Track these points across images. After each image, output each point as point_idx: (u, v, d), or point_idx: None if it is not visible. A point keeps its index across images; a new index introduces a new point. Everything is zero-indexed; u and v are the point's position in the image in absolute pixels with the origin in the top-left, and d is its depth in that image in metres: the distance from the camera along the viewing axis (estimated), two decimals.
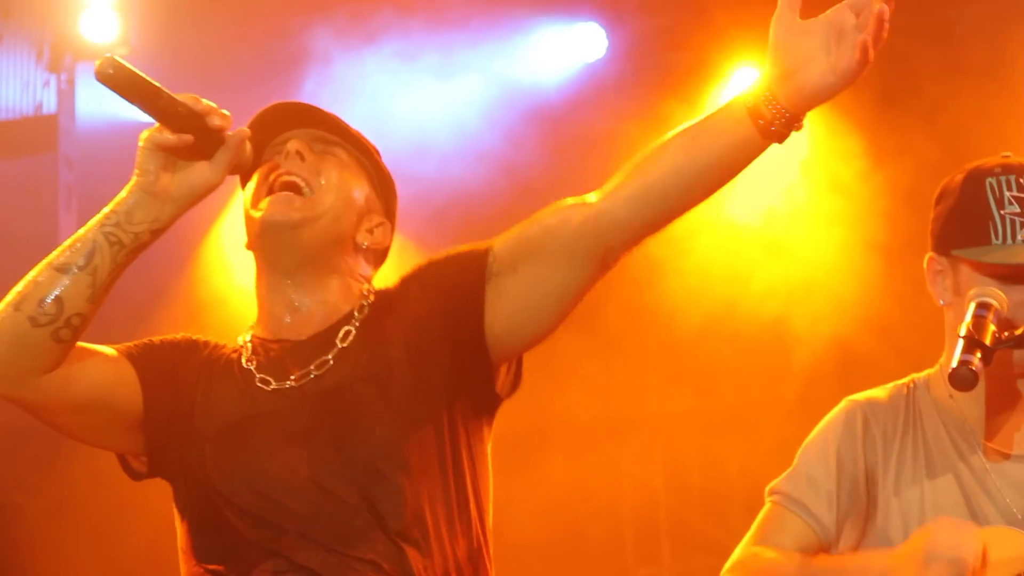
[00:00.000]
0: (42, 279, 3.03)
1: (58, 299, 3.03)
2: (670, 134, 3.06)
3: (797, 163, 8.23)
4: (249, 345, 3.38)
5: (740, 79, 8.23)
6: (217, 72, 8.02)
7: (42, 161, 8.14)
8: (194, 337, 3.44)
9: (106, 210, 3.07)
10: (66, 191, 8.06)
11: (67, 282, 3.04)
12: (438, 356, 3.29)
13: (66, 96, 8.28)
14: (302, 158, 3.32)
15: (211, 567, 3.24)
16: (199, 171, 3.09)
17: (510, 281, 3.22)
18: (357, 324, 3.35)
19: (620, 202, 3.11)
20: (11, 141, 8.27)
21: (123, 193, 3.07)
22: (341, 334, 3.33)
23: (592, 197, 3.12)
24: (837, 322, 7.66)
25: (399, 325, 3.33)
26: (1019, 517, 3.51)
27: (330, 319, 3.36)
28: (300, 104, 3.45)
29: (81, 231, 3.07)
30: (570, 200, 3.16)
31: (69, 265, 3.04)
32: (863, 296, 7.62)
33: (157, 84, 3.03)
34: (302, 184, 3.30)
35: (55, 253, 3.06)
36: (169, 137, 3.03)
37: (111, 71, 2.96)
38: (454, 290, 3.28)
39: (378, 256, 3.50)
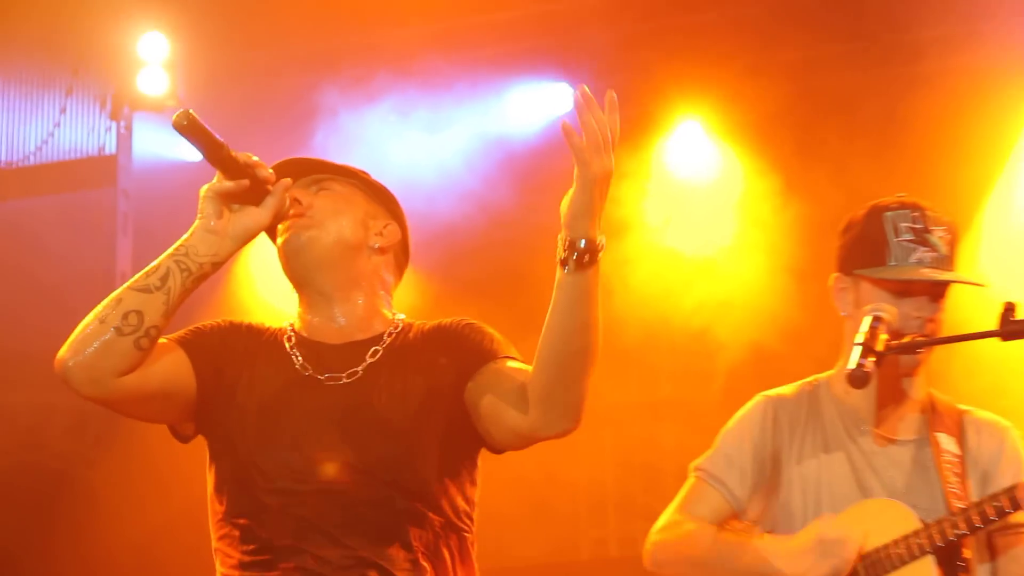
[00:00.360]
0: (125, 297, 3.05)
1: (139, 313, 3.04)
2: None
3: (726, 203, 8.23)
4: (292, 335, 3.37)
5: (682, 131, 8.30)
6: (245, 123, 7.94)
7: (104, 193, 8.09)
8: (235, 320, 3.44)
9: (177, 244, 3.09)
10: (123, 218, 8.00)
11: (146, 300, 3.06)
12: (447, 395, 3.27)
13: (124, 139, 8.19)
14: (300, 201, 3.33)
15: (238, 521, 3.21)
16: (251, 214, 3.13)
17: (475, 401, 3.25)
18: (385, 346, 3.33)
19: (539, 413, 3.10)
20: (79, 176, 8.18)
21: (189, 232, 3.10)
22: (371, 352, 3.31)
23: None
24: (754, 331, 7.63)
25: (421, 360, 3.31)
26: (900, 490, 3.56)
27: (362, 333, 3.35)
28: (290, 159, 3.43)
29: (156, 261, 3.09)
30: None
31: (148, 286, 3.05)
32: (776, 309, 7.60)
33: (219, 138, 3.06)
34: (306, 215, 3.32)
35: (135, 278, 3.09)
36: (228, 184, 3.07)
37: (185, 122, 2.99)
38: (463, 360, 3.29)
39: (397, 254, 3.48)
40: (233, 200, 3.12)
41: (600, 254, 2.93)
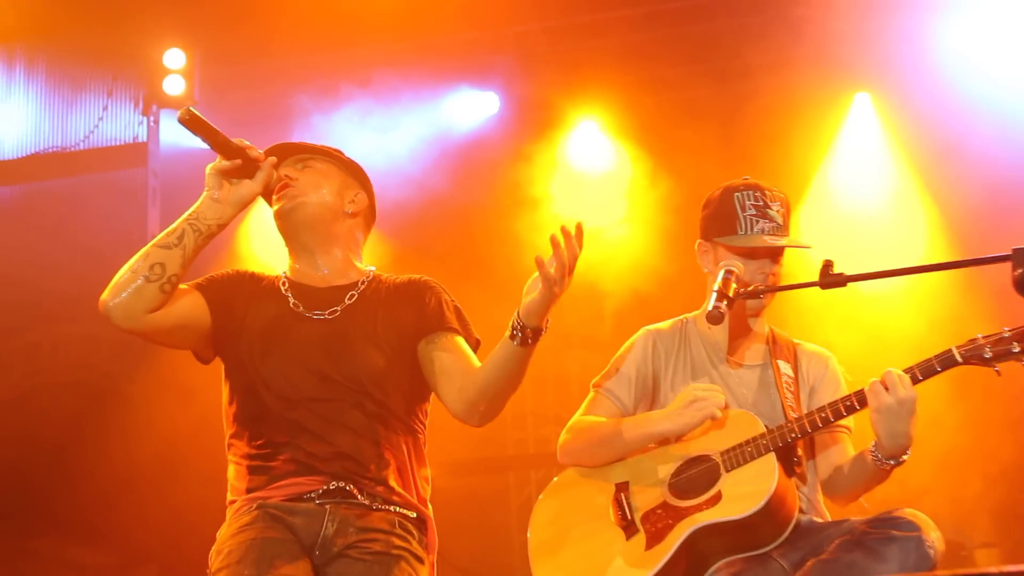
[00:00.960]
0: (151, 253, 3.10)
1: (162, 265, 3.08)
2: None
3: (614, 185, 8.26)
4: (286, 281, 3.40)
5: (583, 129, 8.30)
6: (241, 119, 7.92)
7: (137, 173, 8.03)
8: (240, 269, 3.47)
9: (189, 211, 3.15)
10: (152, 192, 7.95)
11: (168, 254, 3.10)
12: (407, 337, 3.33)
13: (153, 131, 8.18)
14: (289, 176, 3.37)
15: (245, 423, 3.26)
16: (245, 185, 3.18)
17: (426, 355, 3.34)
18: (360, 292, 3.37)
19: (463, 410, 3.27)
20: (117, 159, 8.16)
21: (198, 202, 3.16)
22: (348, 296, 3.36)
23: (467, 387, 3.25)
24: (635, 281, 7.68)
25: (389, 306, 3.36)
26: (748, 403, 3.57)
27: (341, 280, 3.40)
28: (283, 143, 3.45)
29: (173, 224, 3.15)
30: (464, 383, 3.26)
31: (168, 244, 3.10)
32: (651, 264, 7.63)
33: (215, 127, 3.13)
34: (294, 187, 3.36)
35: (158, 237, 3.14)
36: (226, 163, 3.14)
37: (188, 117, 3.08)
38: (420, 320, 3.34)
39: (366, 216, 3.51)
40: (231, 175, 3.17)
41: (541, 337, 3.07)
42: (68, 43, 8.26)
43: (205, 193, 3.17)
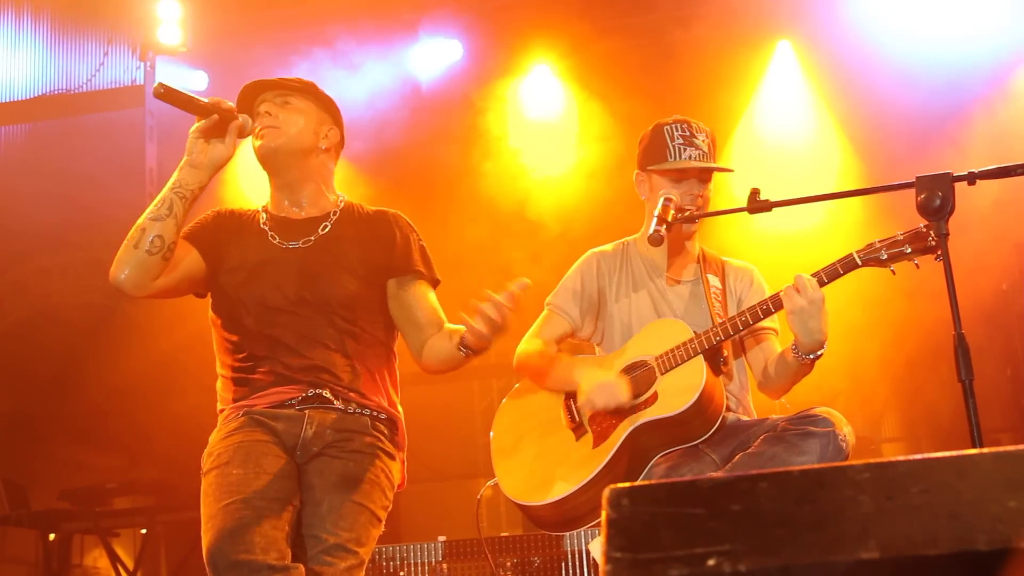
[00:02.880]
0: (147, 227, 3.04)
1: (160, 236, 3.04)
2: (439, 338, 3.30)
3: (562, 125, 8.19)
4: (264, 215, 3.36)
5: (536, 73, 8.20)
6: (232, 67, 7.89)
7: (135, 112, 7.92)
8: (221, 210, 3.42)
9: (171, 181, 3.08)
10: (149, 130, 7.85)
11: (163, 225, 3.05)
12: (375, 268, 3.32)
13: (149, 74, 8.07)
14: (271, 113, 3.29)
15: (230, 338, 3.25)
16: (218, 150, 3.11)
17: (395, 296, 3.36)
18: (332, 222, 3.34)
19: (421, 361, 3.36)
20: (118, 100, 8.05)
21: (177, 171, 3.10)
22: (321, 226, 3.32)
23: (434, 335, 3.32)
24: (578, 210, 7.65)
25: (360, 236, 3.34)
26: (681, 314, 3.59)
27: (316, 211, 3.36)
28: (261, 80, 3.37)
29: (160, 194, 3.08)
30: (435, 334, 3.32)
31: (160, 215, 3.05)
32: (599, 196, 7.56)
33: (188, 93, 3.05)
34: (275, 125, 3.28)
35: (149, 209, 3.07)
36: (202, 122, 3.07)
37: (162, 91, 3.00)
38: (391, 258, 3.34)
39: (337, 149, 3.45)
40: (210, 134, 3.10)
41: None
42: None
43: (184, 159, 3.11)
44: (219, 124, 3.10)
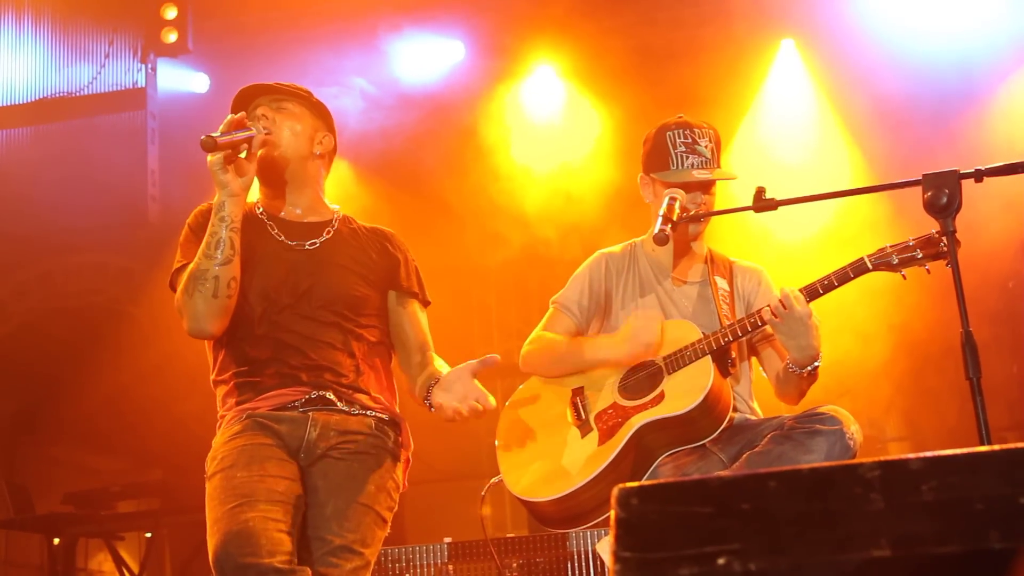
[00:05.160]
0: (219, 273, 3.02)
1: (234, 278, 3.05)
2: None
3: (565, 124, 8.16)
4: (263, 212, 3.33)
5: (540, 74, 8.16)
6: (233, 69, 7.85)
7: (137, 115, 7.85)
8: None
9: (222, 219, 3.04)
10: (151, 132, 7.78)
11: (232, 266, 3.04)
12: (378, 275, 3.34)
13: (151, 77, 8.01)
14: (267, 117, 3.26)
15: (233, 341, 3.20)
16: (243, 169, 3.08)
17: (392, 312, 3.39)
18: (335, 229, 3.34)
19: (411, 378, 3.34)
20: (120, 102, 7.99)
21: (222, 204, 3.05)
22: (325, 231, 3.33)
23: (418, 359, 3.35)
24: (583, 212, 7.62)
25: (363, 246, 3.36)
26: (689, 315, 3.59)
27: (314, 216, 3.35)
28: (258, 84, 3.34)
29: (218, 235, 3.04)
30: (426, 353, 3.35)
31: (228, 257, 3.03)
32: (608, 199, 7.54)
33: (228, 137, 3.02)
34: (271, 132, 3.25)
35: (209, 254, 3.03)
36: (219, 155, 3.03)
37: (212, 144, 2.98)
38: (394, 273, 3.37)
39: (330, 156, 3.43)
40: (233, 159, 3.06)
41: None
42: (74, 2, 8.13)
43: (222, 194, 3.06)
44: (237, 149, 3.07)
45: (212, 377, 3.30)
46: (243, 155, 3.08)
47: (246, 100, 3.33)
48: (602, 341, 3.55)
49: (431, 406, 3.18)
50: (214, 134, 2.99)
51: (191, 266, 3.07)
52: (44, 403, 8.08)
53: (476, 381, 3.11)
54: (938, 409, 7.22)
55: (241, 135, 3.04)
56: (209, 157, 3.03)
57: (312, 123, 3.35)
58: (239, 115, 3.08)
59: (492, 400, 3.09)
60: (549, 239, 7.60)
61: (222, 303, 3.03)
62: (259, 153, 3.17)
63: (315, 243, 3.29)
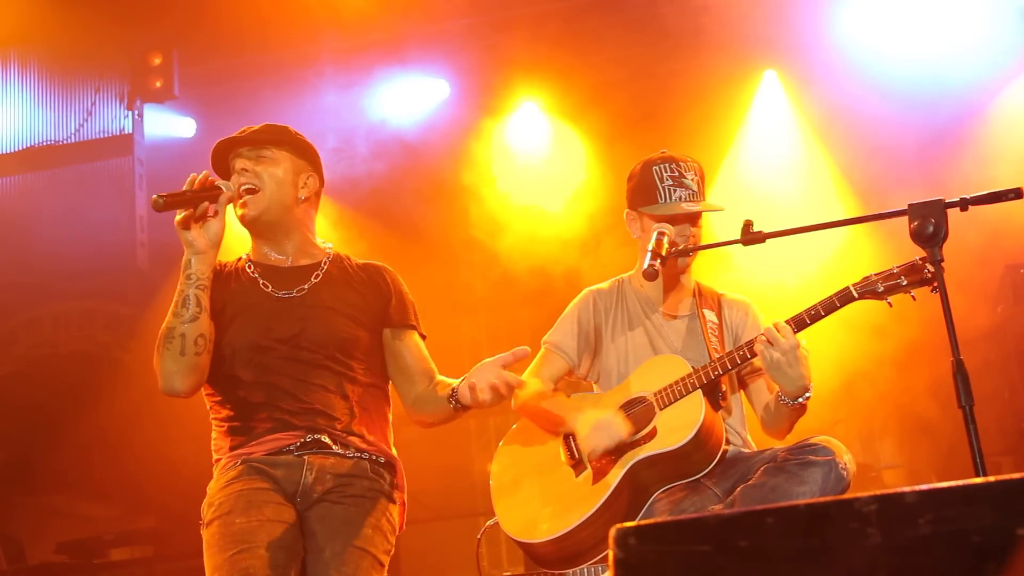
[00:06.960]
0: (186, 332, 3.03)
1: (202, 335, 3.05)
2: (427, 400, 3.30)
3: (546, 159, 8.22)
4: (250, 264, 3.33)
5: (524, 110, 8.21)
6: (219, 113, 7.91)
7: (124, 161, 7.88)
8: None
9: (188, 277, 3.06)
10: (139, 178, 7.80)
11: (199, 324, 3.04)
12: (371, 315, 3.32)
13: (137, 123, 8.04)
14: (247, 171, 3.25)
15: (227, 388, 3.21)
16: (213, 226, 3.10)
17: (390, 346, 3.37)
18: (324, 271, 3.33)
19: (407, 411, 3.36)
20: (107, 149, 8.01)
21: (188, 265, 3.07)
22: (314, 275, 3.31)
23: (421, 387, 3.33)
24: (572, 252, 7.62)
25: (354, 285, 3.35)
26: (678, 349, 3.58)
27: (304, 260, 3.34)
28: (232, 137, 3.32)
29: (184, 294, 3.06)
30: (427, 383, 3.33)
31: (194, 315, 3.04)
32: (594, 234, 7.55)
33: (181, 192, 3.04)
34: (253, 185, 3.25)
35: (178, 312, 3.05)
36: (183, 213, 3.06)
37: (161, 203, 2.99)
38: (387, 310, 3.35)
39: (317, 194, 3.41)
40: (195, 218, 3.08)
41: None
42: (58, 47, 8.13)
43: (188, 252, 3.09)
44: (199, 202, 3.07)
45: (210, 417, 3.30)
46: (211, 212, 3.09)
47: (224, 153, 3.31)
48: (569, 406, 3.55)
49: (458, 403, 3.14)
50: (177, 191, 3.01)
51: (162, 325, 3.08)
52: (35, 451, 8.03)
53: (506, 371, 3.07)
54: (931, 436, 7.21)
55: (198, 182, 3.06)
56: (177, 216, 3.04)
57: (294, 165, 3.32)
58: (203, 173, 3.09)
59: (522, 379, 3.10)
60: (537, 274, 7.60)
61: (190, 360, 3.02)
62: (240, 212, 3.21)
63: (303, 289, 3.28)
